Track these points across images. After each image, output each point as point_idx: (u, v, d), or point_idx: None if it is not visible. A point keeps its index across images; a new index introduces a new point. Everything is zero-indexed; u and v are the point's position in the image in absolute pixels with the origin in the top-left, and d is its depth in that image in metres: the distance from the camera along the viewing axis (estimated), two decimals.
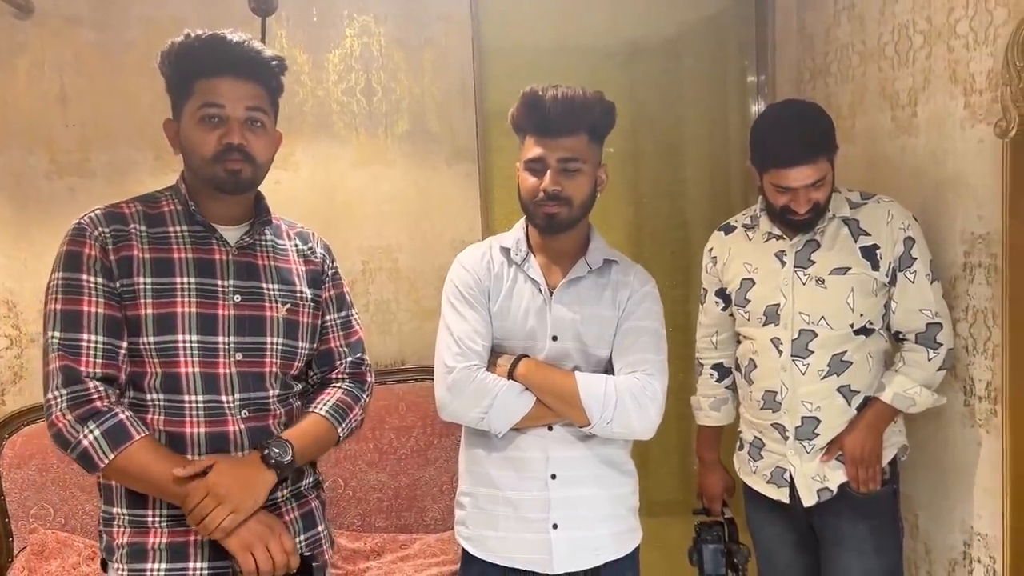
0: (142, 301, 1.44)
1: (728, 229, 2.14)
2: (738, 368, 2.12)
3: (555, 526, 1.69)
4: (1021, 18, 1.70)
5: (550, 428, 1.71)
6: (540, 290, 1.73)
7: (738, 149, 3.04)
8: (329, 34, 2.61)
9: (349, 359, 1.66)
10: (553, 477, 1.70)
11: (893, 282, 1.92)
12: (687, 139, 3.09)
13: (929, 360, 1.92)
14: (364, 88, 2.64)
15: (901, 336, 1.97)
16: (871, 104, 2.37)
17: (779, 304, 1.96)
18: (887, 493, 1.98)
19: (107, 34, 2.47)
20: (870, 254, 1.91)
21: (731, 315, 2.12)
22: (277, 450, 1.46)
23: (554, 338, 1.72)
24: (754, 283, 2.01)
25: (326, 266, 1.67)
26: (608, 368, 1.75)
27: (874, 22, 2.34)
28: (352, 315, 1.70)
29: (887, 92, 2.29)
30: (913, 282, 1.91)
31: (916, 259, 1.90)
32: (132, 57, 2.48)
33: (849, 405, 1.94)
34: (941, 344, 1.91)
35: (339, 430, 1.59)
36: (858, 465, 1.92)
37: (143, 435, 1.40)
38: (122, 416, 1.40)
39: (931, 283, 1.91)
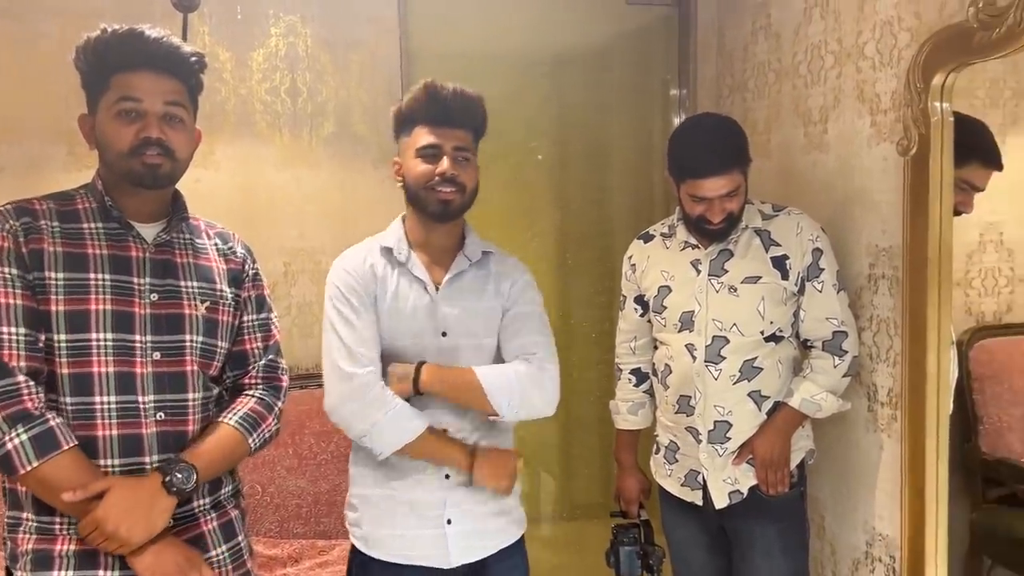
0: (53, 297, 1.39)
1: (647, 238, 2.19)
2: (655, 373, 2.17)
3: (449, 521, 1.72)
4: (922, 42, 1.79)
5: (445, 431, 1.73)
6: (426, 288, 1.75)
7: (660, 159, 3.10)
8: (253, 32, 2.57)
9: (263, 361, 1.63)
10: (447, 477, 1.73)
11: (802, 291, 1.99)
12: (612, 148, 3.15)
13: (835, 367, 2.00)
14: (289, 88, 2.61)
15: (809, 343, 2.05)
16: (785, 120, 2.46)
17: (694, 311, 2.01)
18: (795, 496, 2.05)
19: (20, 25, 2.39)
20: (780, 264, 1.98)
21: (649, 321, 2.17)
22: (180, 476, 1.42)
23: (443, 334, 1.74)
24: (671, 290, 2.07)
25: (247, 266, 1.64)
26: (497, 355, 1.79)
27: (789, 42, 2.43)
28: (272, 318, 1.68)
29: (800, 109, 2.38)
30: (820, 291, 1.98)
31: (824, 269, 1.98)
32: (45, 49, 2.40)
33: (759, 410, 2.01)
34: (846, 352, 2.00)
35: (250, 441, 1.56)
36: (767, 468, 1.99)
37: (71, 445, 1.36)
38: (52, 423, 1.35)
39: (837, 293, 1.99)
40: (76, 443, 1.37)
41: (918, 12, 1.89)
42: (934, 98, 1.77)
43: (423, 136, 1.72)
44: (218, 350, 1.56)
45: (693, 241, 2.05)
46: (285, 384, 1.67)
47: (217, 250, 1.61)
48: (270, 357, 1.65)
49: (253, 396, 1.60)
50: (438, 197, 1.71)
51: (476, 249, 1.81)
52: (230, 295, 1.58)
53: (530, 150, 3.06)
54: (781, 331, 2.00)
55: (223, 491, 1.57)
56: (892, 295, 2.00)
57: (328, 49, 2.64)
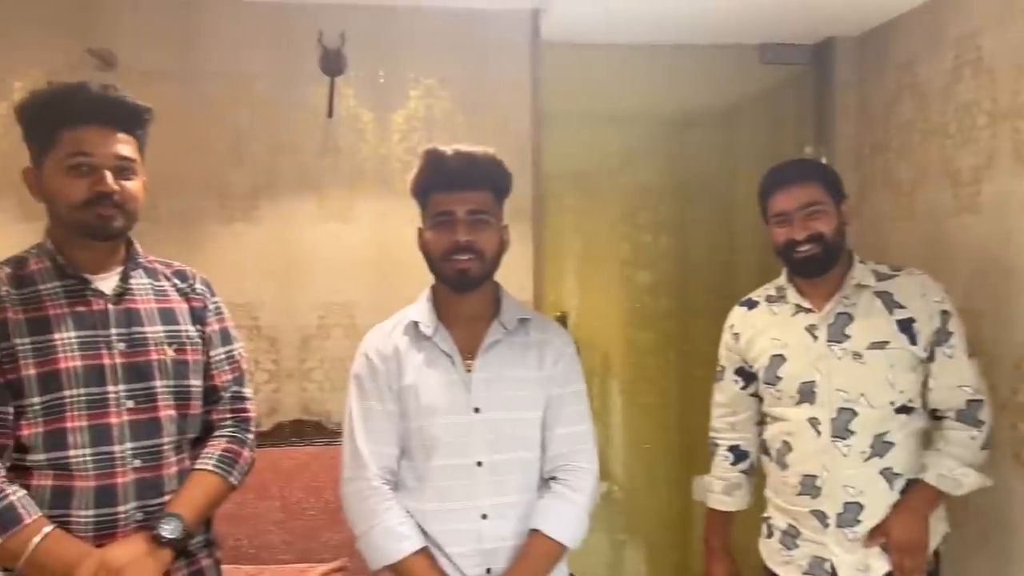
0: (22, 362, 1.42)
1: (751, 304, 2.06)
2: (767, 451, 2.01)
3: None
4: None
5: (484, 516, 1.65)
6: (453, 362, 1.67)
7: None
8: (394, 95, 2.69)
9: (229, 393, 1.65)
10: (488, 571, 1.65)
11: (931, 358, 1.84)
12: (738, 210, 3.08)
13: (972, 439, 1.83)
14: None
15: (939, 414, 1.88)
16: (932, 181, 2.35)
17: (814, 381, 1.87)
18: None
19: (184, 87, 2.57)
20: (907, 328, 1.83)
21: (752, 395, 2.04)
22: (168, 527, 1.45)
23: (476, 410, 1.66)
24: (785, 359, 1.92)
25: (208, 301, 1.66)
26: (538, 433, 1.71)
27: (937, 100, 2.33)
28: (236, 349, 1.69)
29: (948, 170, 2.27)
30: (952, 357, 1.83)
31: (953, 333, 1.83)
32: (205, 110, 2.58)
33: (892, 489, 1.84)
34: (983, 422, 1.83)
35: (231, 479, 1.59)
36: (904, 554, 1.80)
37: (34, 517, 1.38)
38: (12, 498, 1.38)
39: (969, 358, 1.84)
40: (39, 514, 1.39)
41: None
42: None
43: (436, 203, 1.67)
44: (192, 390, 1.58)
45: (806, 305, 1.92)
46: (252, 414, 1.69)
47: (177, 290, 1.62)
48: (234, 389, 1.66)
49: (224, 436, 1.62)
50: (454, 267, 1.65)
51: (512, 316, 1.71)
52: (195, 333, 1.60)
53: (655, 211, 3.03)
54: (911, 401, 1.85)
55: (193, 541, 1.55)
56: None
57: (463, 111, 2.72)
